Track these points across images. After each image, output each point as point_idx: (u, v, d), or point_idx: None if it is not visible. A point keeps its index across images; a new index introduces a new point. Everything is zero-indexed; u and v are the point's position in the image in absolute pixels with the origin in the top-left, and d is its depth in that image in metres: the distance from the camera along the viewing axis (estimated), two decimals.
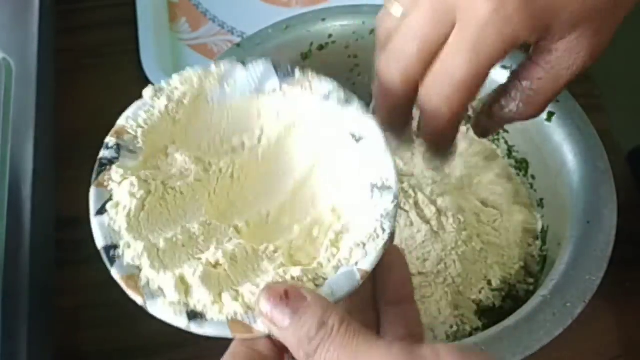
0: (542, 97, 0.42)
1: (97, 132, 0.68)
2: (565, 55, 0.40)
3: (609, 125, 0.68)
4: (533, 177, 0.57)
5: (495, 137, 0.59)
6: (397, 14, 0.41)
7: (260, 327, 0.35)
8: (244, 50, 0.56)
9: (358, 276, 0.36)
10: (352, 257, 0.36)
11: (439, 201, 0.54)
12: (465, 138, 0.60)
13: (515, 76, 0.42)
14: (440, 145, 0.43)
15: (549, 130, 0.55)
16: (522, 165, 0.58)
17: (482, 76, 0.39)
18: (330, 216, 0.39)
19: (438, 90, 0.40)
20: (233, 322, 0.36)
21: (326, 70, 0.58)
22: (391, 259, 0.39)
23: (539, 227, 0.56)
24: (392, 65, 0.40)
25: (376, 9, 0.46)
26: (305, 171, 0.41)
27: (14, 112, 0.61)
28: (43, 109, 0.62)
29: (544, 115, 0.55)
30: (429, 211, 0.53)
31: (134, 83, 0.70)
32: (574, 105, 0.55)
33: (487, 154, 0.60)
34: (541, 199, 0.56)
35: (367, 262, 0.36)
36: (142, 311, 0.59)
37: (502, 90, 0.43)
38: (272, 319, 0.35)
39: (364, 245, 0.37)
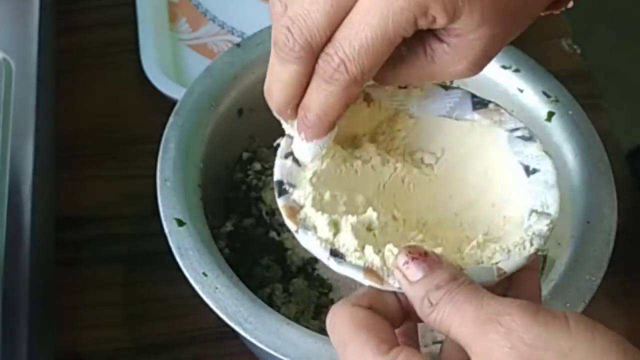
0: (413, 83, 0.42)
1: (97, 132, 0.68)
2: (451, 54, 0.39)
3: (609, 125, 0.68)
4: None
5: None
6: None
7: (392, 281, 0.37)
8: (244, 50, 0.56)
9: (495, 274, 0.38)
10: (494, 258, 0.38)
11: None
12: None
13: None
14: (326, 120, 0.39)
15: (549, 130, 0.55)
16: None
17: (389, 43, 0.37)
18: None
19: (338, 51, 0.37)
20: (368, 270, 0.38)
21: None
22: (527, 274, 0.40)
23: None
24: (295, 32, 0.37)
25: None
26: (473, 199, 0.43)
27: (14, 112, 0.61)
28: (43, 109, 0.62)
29: (544, 115, 0.55)
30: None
31: (134, 83, 0.70)
32: (574, 105, 0.55)
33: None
34: None
35: (508, 265, 0.38)
36: (142, 311, 0.60)
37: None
38: (406, 272, 0.36)
39: (509, 251, 0.39)
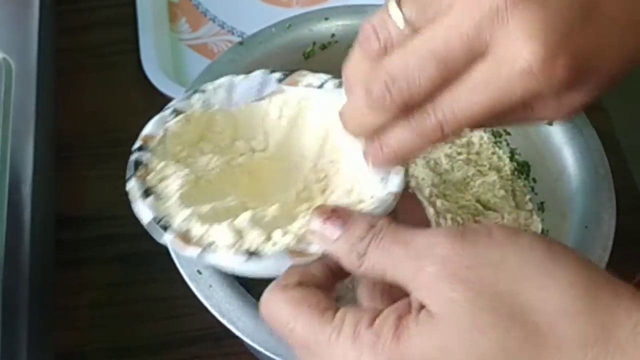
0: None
1: (97, 132, 0.68)
2: (552, 108, 0.39)
3: (609, 125, 0.68)
4: (534, 180, 0.57)
5: (498, 139, 0.59)
6: (399, 24, 0.37)
7: (314, 248, 0.38)
8: (246, 48, 0.56)
9: (391, 199, 0.39)
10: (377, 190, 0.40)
11: (438, 203, 0.54)
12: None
13: None
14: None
15: (550, 133, 0.55)
16: (523, 169, 0.58)
17: (490, 115, 0.37)
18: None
19: (440, 116, 0.37)
20: (290, 252, 0.38)
21: (329, 69, 0.58)
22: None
23: (539, 231, 0.56)
24: (395, 92, 0.37)
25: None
26: (315, 153, 0.44)
27: (14, 112, 0.61)
28: (43, 108, 0.62)
29: None
30: (428, 212, 0.53)
31: (134, 83, 0.70)
32: None
33: (489, 156, 0.60)
34: (542, 203, 0.56)
35: (393, 186, 0.40)
36: (142, 311, 0.60)
37: None
38: (324, 234, 0.37)
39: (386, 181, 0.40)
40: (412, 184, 0.55)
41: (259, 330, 0.45)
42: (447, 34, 0.36)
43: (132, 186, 0.43)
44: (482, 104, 0.36)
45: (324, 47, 0.57)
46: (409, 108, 0.37)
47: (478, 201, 0.57)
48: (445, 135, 0.38)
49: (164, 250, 0.49)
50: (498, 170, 0.59)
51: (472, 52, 0.35)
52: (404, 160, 0.40)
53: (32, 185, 0.58)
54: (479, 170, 0.58)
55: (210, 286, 0.46)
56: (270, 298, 0.37)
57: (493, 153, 0.60)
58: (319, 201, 0.42)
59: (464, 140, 0.60)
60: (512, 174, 0.59)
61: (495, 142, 0.60)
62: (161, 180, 0.43)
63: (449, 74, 0.36)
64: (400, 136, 0.38)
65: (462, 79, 0.36)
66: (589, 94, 0.39)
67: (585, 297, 0.33)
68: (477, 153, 0.60)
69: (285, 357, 0.45)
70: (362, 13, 0.57)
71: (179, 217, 0.41)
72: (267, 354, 0.45)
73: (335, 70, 0.58)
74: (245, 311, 0.46)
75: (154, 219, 0.42)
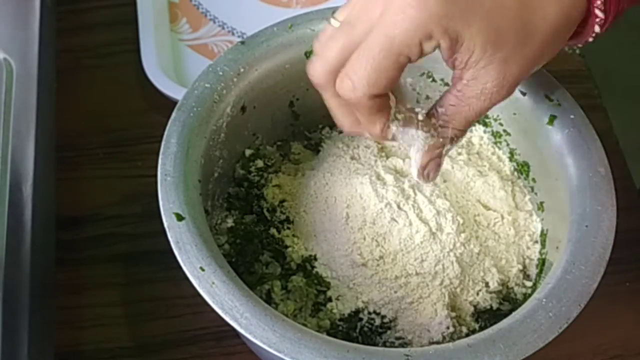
0: (456, 121, 0.46)
1: (97, 132, 0.69)
2: (473, 84, 0.44)
3: (608, 125, 0.68)
4: (534, 180, 0.57)
5: (498, 139, 0.59)
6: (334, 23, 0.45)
7: None
8: (248, 48, 0.56)
9: None
10: None
11: (439, 202, 0.54)
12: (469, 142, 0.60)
13: (434, 105, 0.47)
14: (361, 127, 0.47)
15: (550, 134, 0.55)
16: (523, 169, 0.58)
17: (396, 61, 0.42)
18: None
19: (356, 69, 0.43)
20: None
21: None
22: None
23: (539, 230, 0.56)
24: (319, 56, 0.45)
25: None
26: None
27: (15, 112, 0.61)
28: (44, 109, 0.62)
29: (546, 118, 0.55)
30: (428, 212, 0.53)
31: (135, 83, 0.70)
32: (575, 108, 0.55)
33: (489, 156, 0.60)
34: (541, 202, 0.56)
35: None
36: (142, 311, 0.60)
37: (426, 116, 0.47)
38: None
39: None
40: None
41: (261, 327, 0.45)
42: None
43: None
44: (380, 43, 0.42)
45: None
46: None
47: (478, 201, 0.57)
48: (357, 93, 0.43)
49: (164, 250, 0.49)
50: (498, 170, 0.59)
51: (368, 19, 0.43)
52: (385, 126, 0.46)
53: (32, 185, 0.58)
54: (479, 171, 0.58)
55: (213, 283, 0.47)
56: None
57: (493, 153, 0.60)
58: None
59: (463, 140, 0.60)
60: (512, 174, 0.59)
61: (495, 143, 0.60)
62: None
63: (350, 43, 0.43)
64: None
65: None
66: (491, 55, 0.43)
67: None
68: (477, 153, 0.60)
69: (287, 354, 0.45)
70: None
71: None
72: (271, 350, 0.45)
73: None
74: (248, 308, 0.46)
75: None
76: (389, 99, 0.46)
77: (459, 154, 0.58)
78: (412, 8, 0.41)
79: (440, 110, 0.46)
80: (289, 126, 0.61)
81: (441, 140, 0.47)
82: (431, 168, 0.48)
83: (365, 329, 0.53)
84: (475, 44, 0.43)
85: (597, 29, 0.47)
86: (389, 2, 0.42)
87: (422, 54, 0.43)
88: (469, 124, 0.46)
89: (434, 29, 0.42)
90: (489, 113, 0.59)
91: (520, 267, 0.55)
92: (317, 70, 0.46)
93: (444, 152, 0.48)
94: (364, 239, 0.53)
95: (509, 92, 0.45)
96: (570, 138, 0.54)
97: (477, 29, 0.42)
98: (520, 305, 0.49)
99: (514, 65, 0.44)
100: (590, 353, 0.59)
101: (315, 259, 0.54)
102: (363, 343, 0.51)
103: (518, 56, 0.44)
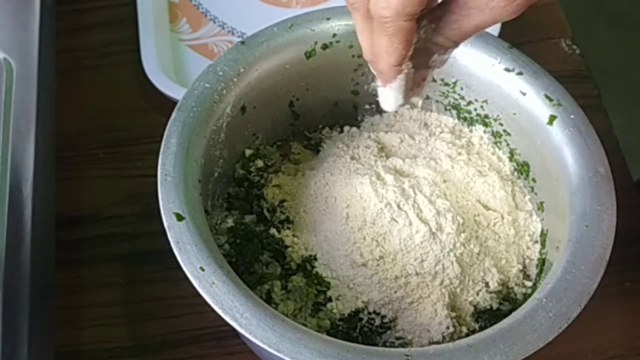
0: (453, 32, 0.43)
1: (97, 132, 0.68)
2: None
3: (608, 125, 0.68)
4: (534, 180, 0.57)
5: (498, 139, 0.59)
6: None
7: None
8: (248, 47, 0.56)
9: None
10: None
11: (439, 202, 0.54)
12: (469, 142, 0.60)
13: (433, 8, 0.44)
14: (388, 62, 0.44)
15: (550, 134, 0.55)
16: (523, 169, 0.58)
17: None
18: None
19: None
20: None
21: (330, 69, 0.59)
22: None
23: (539, 230, 0.56)
24: None
25: None
26: None
27: (15, 112, 0.61)
28: (44, 109, 0.62)
29: (546, 118, 0.55)
30: (428, 212, 0.53)
31: (135, 83, 0.70)
32: (575, 108, 0.55)
33: (489, 156, 0.60)
34: (541, 202, 0.56)
35: None
36: (142, 310, 0.60)
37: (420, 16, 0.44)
38: None
39: None
40: None
41: (261, 327, 0.45)
42: None
43: None
44: None
45: (325, 46, 0.58)
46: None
47: (478, 201, 0.57)
48: (395, 13, 0.41)
49: (164, 250, 0.49)
50: (498, 170, 0.59)
51: None
52: (395, 65, 0.44)
53: (32, 185, 0.58)
54: (479, 171, 0.58)
55: (213, 283, 0.47)
56: None
57: (493, 153, 0.60)
58: None
59: (464, 140, 0.60)
60: (512, 174, 0.59)
61: (495, 143, 0.60)
62: None
63: None
64: (377, 41, 0.44)
65: None
66: None
67: None
68: (477, 153, 0.60)
69: (287, 354, 0.45)
70: None
71: None
72: (271, 350, 0.45)
73: (335, 69, 0.59)
74: (248, 308, 0.46)
75: None
76: (415, 31, 0.43)
77: (459, 154, 0.58)
78: None
79: (437, 13, 0.44)
80: (289, 126, 0.61)
81: (428, 45, 0.45)
82: (416, 80, 0.47)
83: (365, 329, 0.53)
84: None
85: None
86: None
87: None
88: (465, 37, 0.44)
89: None
90: (489, 113, 0.59)
91: (520, 267, 0.55)
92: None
93: (430, 62, 0.46)
94: (364, 239, 0.53)
95: (516, 11, 0.42)
96: (570, 138, 0.54)
97: None
98: (520, 305, 0.50)
99: None
100: (590, 353, 0.59)
101: (315, 259, 0.54)
102: (363, 343, 0.51)
103: None
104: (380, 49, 0.44)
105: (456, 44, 0.45)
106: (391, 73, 0.45)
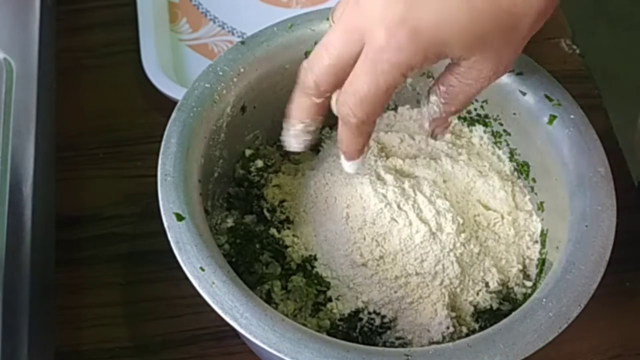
0: (457, 100, 0.47)
1: (97, 132, 0.69)
2: (469, 71, 0.46)
3: (609, 125, 0.68)
4: (534, 180, 0.58)
5: (498, 139, 0.59)
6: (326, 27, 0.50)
7: None
8: (248, 47, 0.57)
9: None
10: None
11: (439, 202, 0.54)
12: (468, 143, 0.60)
13: (437, 80, 0.48)
14: (352, 149, 0.49)
15: (550, 134, 0.55)
16: (523, 169, 0.58)
17: (382, 94, 0.45)
18: None
19: (346, 101, 0.46)
20: None
21: None
22: None
23: (539, 230, 0.56)
24: (308, 72, 0.47)
25: None
26: None
27: (15, 112, 0.61)
28: (44, 109, 0.62)
29: (546, 118, 0.55)
30: (428, 212, 0.53)
31: (135, 83, 0.70)
32: (575, 108, 0.55)
33: (489, 156, 0.60)
34: (541, 202, 0.56)
35: None
36: (142, 311, 0.60)
37: (430, 90, 0.48)
38: None
39: None
40: None
41: (261, 327, 0.45)
42: (334, 31, 0.46)
43: None
44: (369, 84, 0.44)
45: None
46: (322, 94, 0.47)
47: (478, 201, 0.57)
48: (361, 120, 0.46)
49: (164, 250, 0.49)
50: (498, 170, 0.59)
51: (353, 44, 0.45)
52: (357, 150, 0.49)
53: (32, 185, 0.58)
54: (479, 171, 0.58)
55: (213, 283, 0.47)
56: None
57: (493, 153, 0.60)
58: None
59: (464, 140, 0.60)
60: (512, 174, 0.59)
61: (495, 143, 0.60)
62: None
63: (340, 63, 0.46)
64: (341, 130, 0.48)
65: (355, 66, 0.45)
66: (480, 57, 0.45)
67: None
68: (477, 153, 0.60)
69: (287, 354, 0.45)
70: None
71: None
72: (271, 350, 0.45)
73: None
74: (248, 308, 0.46)
75: None
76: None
77: (459, 154, 0.58)
78: (387, 53, 0.43)
79: (442, 88, 0.47)
80: None
81: (444, 114, 0.48)
82: (438, 131, 0.50)
83: (365, 329, 0.53)
84: (460, 54, 0.45)
85: None
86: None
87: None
88: (471, 100, 0.48)
89: (414, 62, 0.44)
90: (489, 113, 0.59)
91: (520, 267, 0.55)
92: (308, 81, 0.47)
93: (449, 120, 0.49)
94: (364, 239, 0.53)
95: (507, 69, 0.47)
96: (570, 138, 0.54)
97: (457, 46, 0.44)
98: (520, 305, 0.50)
99: (507, 52, 0.46)
100: (590, 353, 0.59)
101: (315, 259, 0.54)
102: (363, 343, 0.51)
103: (509, 45, 0.45)
104: (344, 137, 0.48)
105: (467, 105, 0.52)
106: (354, 155, 0.50)
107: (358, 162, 0.50)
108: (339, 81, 0.46)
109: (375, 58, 0.44)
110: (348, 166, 0.51)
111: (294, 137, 0.50)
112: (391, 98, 0.46)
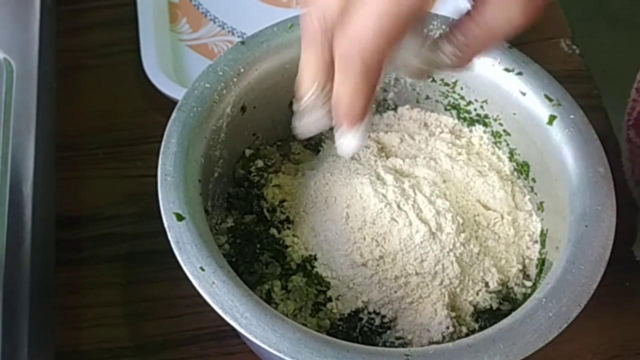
0: (473, 51, 0.42)
1: (97, 132, 0.69)
2: (498, 9, 0.40)
3: (609, 125, 0.68)
4: (534, 180, 0.58)
5: (498, 139, 0.60)
6: None
7: None
8: (248, 48, 0.57)
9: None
10: None
11: (439, 202, 0.54)
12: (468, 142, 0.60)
13: (453, 29, 0.42)
14: (356, 106, 0.42)
15: (550, 134, 0.55)
16: (523, 169, 0.58)
17: (398, 21, 0.39)
18: None
19: (351, 36, 0.40)
20: None
21: None
22: None
23: (538, 230, 0.56)
24: (312, 10, 0.41)
25: None
26: None
27: (15, 112, 0.61)
28: (44, 109, 0.62)
29: (546, 118, 0.55)
30: (428, 212, 0.53)
31: (135, 83, 0.70)
32: (576, 109, 0.55)
33: (489, 156, 0.60)
34: (541, 202, 0.57)
35: None
36: (142, 310, 0.60)
37: (440, 40, 0.43)
38: None
39: None
40: None
41: (261, 327, 0.45)
42: None
43: None
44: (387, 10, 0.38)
45: None
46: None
47: (478, 201, 0.57)
48: (366, 63, 0.40)
49: (164, 250, 0.49)
50: (498, 170, 0.59)
51: None
52: (360, 111, 0.42)
53: (32, 184, 0.58)
54: (478, 171, 0.58)
55: (213, 283, 0.47)
56: None
57: (493, 153, 0.60)
58: None
59: (463, 140, 0.60)
60: (512, 174, 0.59)
61: (495, 143, 0.60)
62: None
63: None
64: (341, 90, 0.41)
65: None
66: None
67: None
68: (477, 153, 0.60)
69: (287, 354, 0.45)
70: None
71: None
72: (271, 350, 0.45)
73: None
74: (249, 308, 0.46)
75: None
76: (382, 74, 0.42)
77: (459, 154, 0.58)
78: None
79: (460, 39, 0.42)
80: (288, 126, 0.61)
81: (464, 62, 0.43)
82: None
83: (365, 329, 0.53)
84: None
85: None
86: None
87: None
88: (491, 49, 0.44)
89: None
90: (489, 113, 0.59)
91: (520, 267, 0.55)
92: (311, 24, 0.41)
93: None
94: (364, 239, 0.53)
95: (531, 20, 0.41)
96: (570, 138, 0.54)
97: None
98: (520, 305, 0.50)
99: None
100: (589, 353, 0.59)
101: (315, 259, 0.54)
102: (363, 343, 0.51)
103: None
104: (345, 92, 0.41)
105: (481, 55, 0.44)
106: (358, 115, 0.42)
107: (359, 135, 0.43)
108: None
109: None
110: (347, 143, 0.43)
111: (308, 114, 0.43)
112: (407, 31, 0.40)
